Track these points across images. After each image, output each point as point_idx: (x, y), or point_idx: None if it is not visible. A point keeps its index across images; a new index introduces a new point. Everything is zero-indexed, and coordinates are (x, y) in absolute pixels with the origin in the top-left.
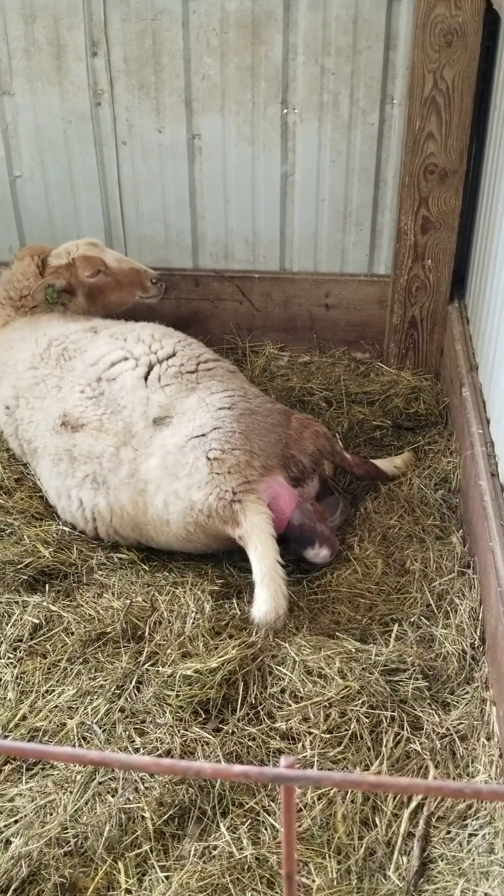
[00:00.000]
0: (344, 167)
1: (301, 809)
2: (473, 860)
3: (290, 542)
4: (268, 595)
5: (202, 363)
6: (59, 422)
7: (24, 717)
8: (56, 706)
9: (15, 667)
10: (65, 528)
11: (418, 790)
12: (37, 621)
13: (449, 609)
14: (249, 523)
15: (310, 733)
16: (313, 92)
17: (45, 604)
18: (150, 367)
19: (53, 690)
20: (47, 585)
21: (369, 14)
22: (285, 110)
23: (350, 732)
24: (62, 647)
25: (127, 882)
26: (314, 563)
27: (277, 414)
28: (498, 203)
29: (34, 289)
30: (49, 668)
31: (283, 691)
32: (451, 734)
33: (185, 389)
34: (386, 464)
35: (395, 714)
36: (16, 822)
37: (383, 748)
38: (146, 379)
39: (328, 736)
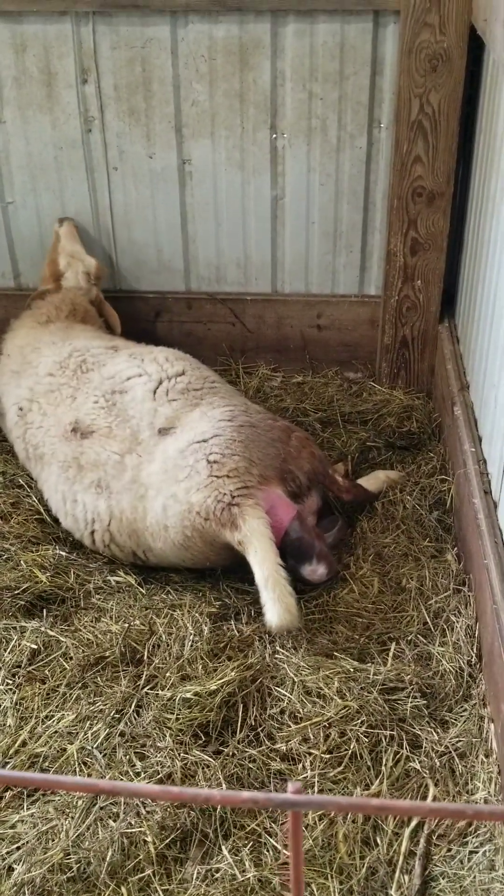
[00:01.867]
0: (333, 190)
1: (303, 830)
2: (475, 878)
3: (287, 559)
4: (275, 597)
5: (208, 383)
6: (69, 428)
7: (24, 744)
8: (56, 731)
9: (14, 693)
10: (61, 552)
11: (421, 813)
12: (35, 647)
13: (445, 627)
14: (248, 527)
15: (310, 754)
16: (301, 117)
17: (42, 629)
18: (160, 383)
19: (53, 716)
20: (45, 610)
21: (355, 40)
22: (274, 135)
23: (350, 752)
24: (61, 672)
25: None
26: (310, 581)
27: (278, 430)
28: (485, 224)
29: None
30: (48, 694)
31: (282, 712)
32: (450, 752)
33: (189, 405)
34: (371, 481)
35: (395, 733)
36: (18, 848)
37: (383, 767)
38: (155, 392)
39: (328, 756)
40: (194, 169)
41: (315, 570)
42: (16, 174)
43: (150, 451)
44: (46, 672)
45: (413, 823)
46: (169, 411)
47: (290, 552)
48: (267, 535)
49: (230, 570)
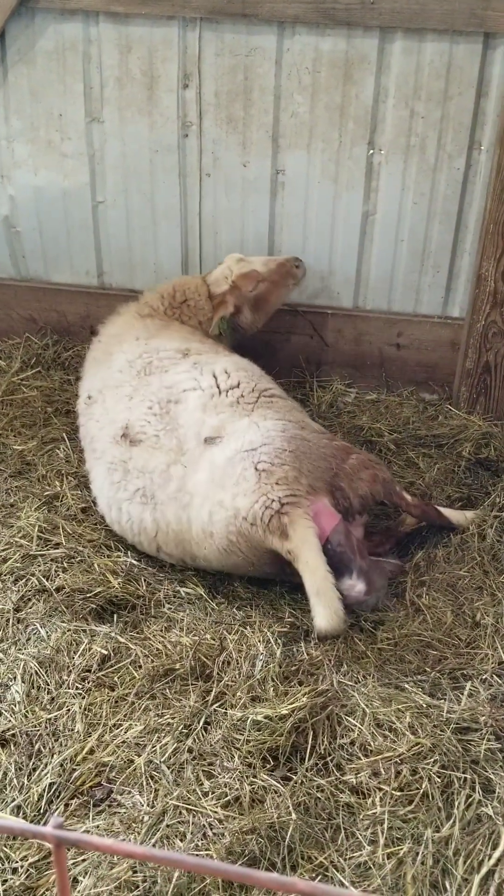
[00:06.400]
0: (426, 209)
1: (371, 868)
2: None
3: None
4: (325, 604)
5: (264, 395)
6: (120, 433)
7: (91, 751)
8: (124, 741)
9: (83, 698)
10: (132, 560)
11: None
12: (105, 652)
13: None
14: (299, 537)
15: (380, 789)
16: (401, 134)
17: (113, 634)
18: (212, 397)
19: (121, 725)
20: (115, 616)
21: (463, 61)
22: (371, 151)
23: (421, 791)
24: (130, 680)
25: None
26: (349, 597)
27: (334, 448)
28: None
29: (211, 328)
30: (117, 702)
31: (352, 743)
32: None
33: (238, 415)
34: (455, 513)
35: (468, 776)
36: (84, 859)
37: (455, 810)
38: (205, 405)
39: (399, 794)
40: (287, 179)
41: (354, 586)
42: (109, 174)
43: (195, 461)
44: (116, 679)
45: (484, 871)
46: (216, 421)
47: (331, 562)
48: (317, 545)
49: (294, 587)
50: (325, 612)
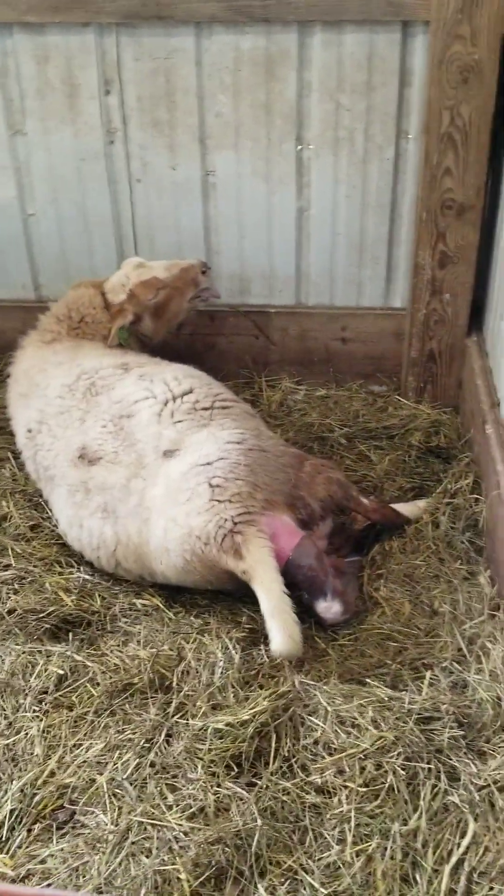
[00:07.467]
0: (359, 202)
1: (340, 867)
2: None
3: (299, 592)
4: (280, 626)
5: (218, 401)
6: (77, 454)
7: (52, 774)
8: (85, 761)
9: (41, 720)
10: (85, 575)
11: None
12: (61, 672)
13: (481, 653)
14: (253, 557)
15: (346, 787)
16: (328, 128)
17: (69, 653)
18: (166, 404)
19: (81, 744)
20: (70, 634)
21: (384, 51)
22: (300, 146)
23: (387, 785)
24: (88, 698)
25: None
26: (326, 619)
27: (290, 456)
28: None
29: (110, 340)
30: (76, 721)
31: (316, 743)
32: (490, 785)
33: (196, 425)
34: (407, 507)
35: (432, 765)
36: (49, 885)
37: (421, 801)
38: (160, 415)
39: (364, 789)
40: (218, 180)
41: (330, 608)
42: (37, 186)
43: (154, 475)
44: (74, 699)
45: (453, 860)
46: (173, 433)
47: (302, 584)
48: (272, 564)
49: (252, 595)
50: (280, 636)
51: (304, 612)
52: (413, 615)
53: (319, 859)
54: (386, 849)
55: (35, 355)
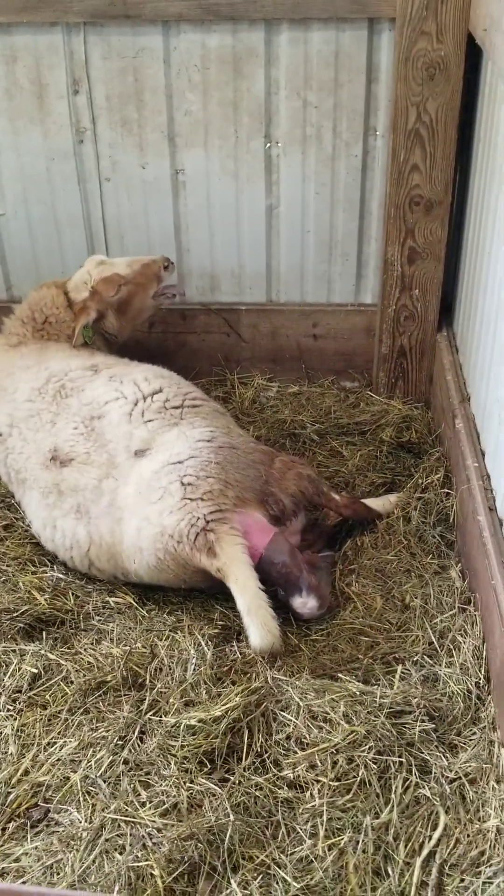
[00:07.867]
0: (329, 199)
1: (313, 861)
2: None
3: (274, 588)
4: (257, 622)
5: (188, 399)
6: (49, 456)
7: (26, 772)
8: (59, 759)
9: (15, 719)
10: (59, 574)
11: None
12: (35, 671)
13: (452, 647)
14: (227, 554)
15: (318, 781)
16: (296, 125)
17: (42, 652)
18: (136, 404)
19: (55, 743)
20: (44, 633)
21: (350, 48)
22: (268, 144)
23: (359, 779)
24: (62, 697)
25: None
26: (302, 614)
27: (260, 453)
28: (484, 233)
29: (74, 339)
30: (50, 720)
31: (288, 738)
32: (461, 778)
33: (167, 424)
34: (379, 502)
35: (403, 759)
36: (23, 882)
37: (393, 795)
38: (130, 414)
39: (336, 784)
40: (187, 178)
41: (305, 604)
42: (6, 186)
43: (125, 474)
44: (48, 697)
45: (424, 853)
46: (144, 433)
47: (277, 580)
48: (246, 561)
49: (226, 592)
50: (259, 632)
51: (278, 608)
52: (385, 610)
53: (292, 853)
54: (358, 842)
55: (1, 359)
